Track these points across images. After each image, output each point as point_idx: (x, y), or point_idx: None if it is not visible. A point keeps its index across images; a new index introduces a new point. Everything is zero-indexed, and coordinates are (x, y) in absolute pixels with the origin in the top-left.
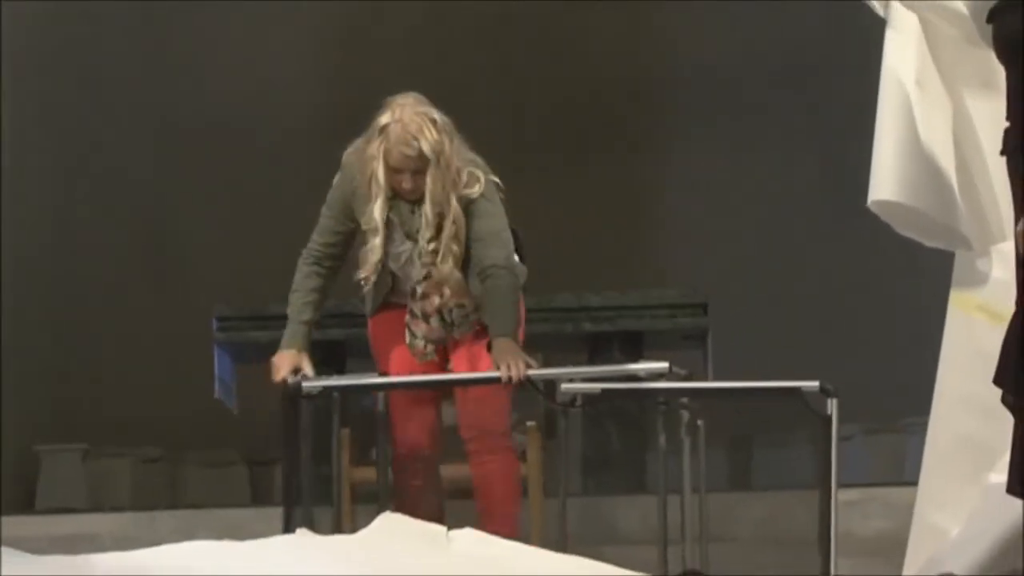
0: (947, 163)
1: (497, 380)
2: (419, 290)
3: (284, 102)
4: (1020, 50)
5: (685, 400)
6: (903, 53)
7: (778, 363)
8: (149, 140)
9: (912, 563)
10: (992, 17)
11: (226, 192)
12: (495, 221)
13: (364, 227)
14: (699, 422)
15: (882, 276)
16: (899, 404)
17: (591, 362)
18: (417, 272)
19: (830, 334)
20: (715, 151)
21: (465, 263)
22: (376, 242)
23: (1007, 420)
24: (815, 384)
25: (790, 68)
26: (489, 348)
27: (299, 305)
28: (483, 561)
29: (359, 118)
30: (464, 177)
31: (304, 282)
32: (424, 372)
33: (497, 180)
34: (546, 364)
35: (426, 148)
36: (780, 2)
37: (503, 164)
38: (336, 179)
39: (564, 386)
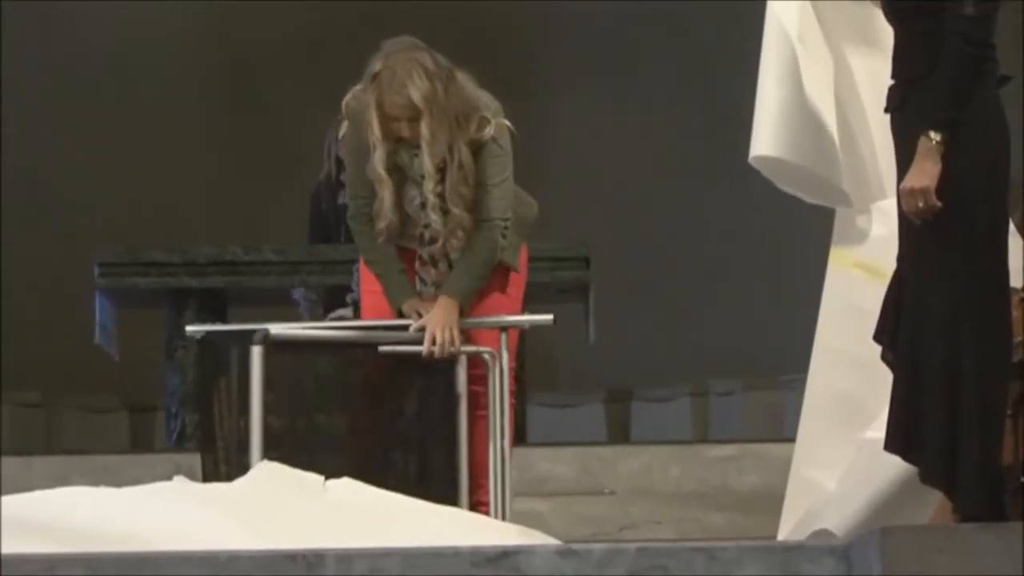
0: (829, 120)
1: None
2: (427, 235)
3: (168, 45)
4: (908, 9)
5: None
6: (786, 9)
7: (659, 316)
8: (29, 81)
9: (788, 518)
10: None
11: (108, 136)
12: (499, 168)
13: (368, 177)
14: None
15: (764, 231)
16: (780, 360)
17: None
18: (427, 217)
19: (712, 288)
20: (599, 100)
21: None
22: (385, 194)
23: (885, 377)
24: None
25: (674, 16)
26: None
27: (392, 260)
28: (357, 510)
29: (241, 63)
30: (473, 122)
31: (373, 239)
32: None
33: (508, 123)
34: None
35: (416, 96)
36: None
37: None
38: (344, 130)
39: None
